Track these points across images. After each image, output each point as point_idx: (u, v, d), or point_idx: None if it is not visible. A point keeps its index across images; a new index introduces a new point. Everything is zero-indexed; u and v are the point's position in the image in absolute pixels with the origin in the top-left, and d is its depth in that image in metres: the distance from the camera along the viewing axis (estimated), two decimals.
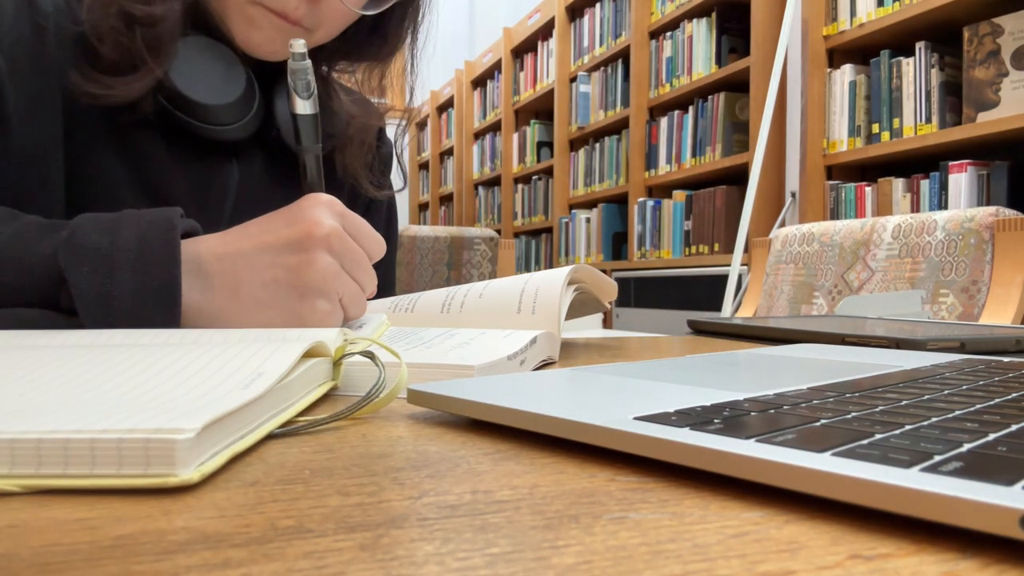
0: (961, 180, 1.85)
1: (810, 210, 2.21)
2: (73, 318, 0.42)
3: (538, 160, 4.10)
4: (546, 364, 0.49)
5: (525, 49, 4.26)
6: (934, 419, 0.24)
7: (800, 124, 2.28)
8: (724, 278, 2.27)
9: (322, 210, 0.46)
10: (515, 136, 4.36)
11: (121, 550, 0.15)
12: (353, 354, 0.34)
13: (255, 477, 0.21)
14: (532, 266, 4.24)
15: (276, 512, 0.18)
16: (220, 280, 0.44)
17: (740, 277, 2.21)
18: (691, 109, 2.86)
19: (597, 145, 3.52)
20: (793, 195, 2.38)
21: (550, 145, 4.04)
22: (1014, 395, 0.29)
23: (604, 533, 0.17)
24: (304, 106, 0.54)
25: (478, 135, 4.88)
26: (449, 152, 5.29)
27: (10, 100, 0.54)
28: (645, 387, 0.31)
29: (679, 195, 2.92)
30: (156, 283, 0.42)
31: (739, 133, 2.72)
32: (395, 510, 0.18)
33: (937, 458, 0.18)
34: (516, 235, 4.35)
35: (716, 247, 2.71)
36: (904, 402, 0.27)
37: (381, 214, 0.81)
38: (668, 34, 2.99)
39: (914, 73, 1.99)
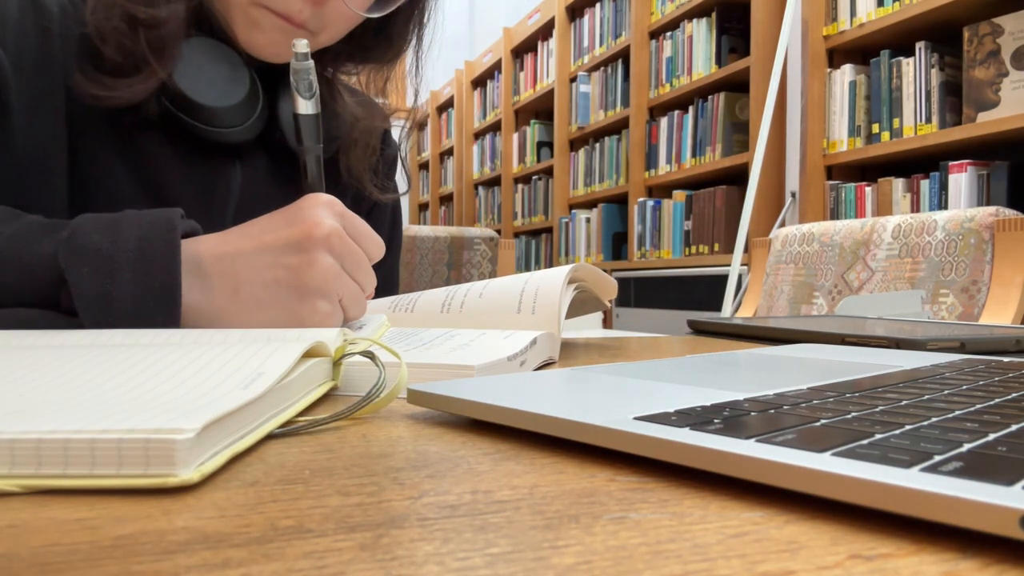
0: (961, 180, 1.85)
1: (810, 210, 2.21)
2: (73, 318, 0.42)
3: (538, 160, 4.10)
4: (546, 364, 0.49)
5: (525, 49, 4.26)
6: (934, 419, 0.24)
7: (800, 124, 2.28)
8: (724, 278, 2.27)
9: (322, 210, 0.46)
10: (515, 136, 4.36)
11: (121, 550, 0.15)
12: (353, 354, 0.34)
13: (255, 477, 0.21)
14: (532, 266, 4.24)
15: (276, 512, 0.18)
16: (220, 280, 0.44)
17: (740, 277, 2.21)
18: (691, 109, 2.86)
19: (597, 145, 3.52)
20: (793, 195, 2.38)
21: (550, 145, 4.04)
22: (1014, 395, 0.29)
23: (604, 533, 0.17)
24: (306, 106, 0.54)
25: (478, 135, 4.88)
26: (449, 152, 5.29)
27: (14, 100, 0.54)
28: (645, 387, 0.31)
29: (679, 195, 2.92)
30: (156, 283, 0.42)
31: (739, 133, 2.72)
32: (395, 510, 0.18)
33: (937, 458, 0.18)
34: (516, 235, 4.35)
35: (716, 247, 2.71)
36: (904, 402, 0.27)
37: (385, 216, 0.81)
38: (668, 34, 2.99)
39: (914, 73, 1.99)
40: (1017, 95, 1.76)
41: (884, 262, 1.33)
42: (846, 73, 2.16)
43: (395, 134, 0.80)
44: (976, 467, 0.18)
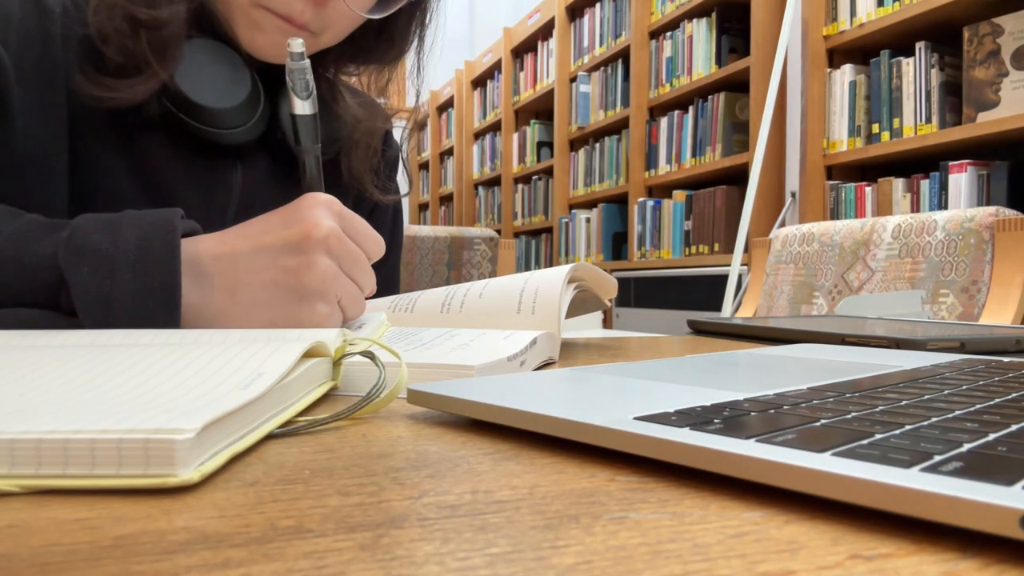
0: (961, 180, 1.85)
1: (810, 210, 2.21)
2: (73, 318, 0.42)
3: (538, 160, 4.10)
4: (546, 364, 0.49)
5: (525, 49, 4.26)
6: (934, 419, 0.24)
7: (800, 124, 2.28)
8: (724, 278, 2.27)
9: (320, 210, 0.46)
10: (515, 136, 4.36)
11: (121, 550, 0.15)
12: (353, 354, 0.34)
13: (255, 477, 0.21)
14: (532, 266, 4.24)
15: (276, 512, 0.18)
16: (218, 281, 0.44)
17: (740, 277, 2.21)
18: (691, 109, 2.86)
19: (597, 145, 3.52)
20: (793, 195, 2.38)
21: (550, 145, 4.04)
22: (1014, 395, 0.29)
23: (604, 533, 0.17)
24: (303, 106, 0.54)
25: (478, 135, 4.88)
26: (449, 152, 5.29)
27: (16, 100, 0.54)
28: (645, 387, 0.31)
29: (679, 195, 2.92)
30: (156, 284, 0.42)
31: (739, 133, 2.72)
32: (395, 510, 0.18)
33: (937, 458, 0.18)
34: (516, 235, 4.35)
35: (716, 247, 2.71)
36: (904, 402, 0.27)
37: (387, 217, 0.81)
38: (668, 34, 2.99)
39: (914, 73, 1.99)
40: (1017, 95, 1.76)
41: (884, 262, 1.33)
42: (846, 73, 2.16)
43: (396, 135, 0.80)
44: (976, 467, 0.18)
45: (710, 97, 2.78)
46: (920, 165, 2.02)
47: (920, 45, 1.96)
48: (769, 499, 0.19)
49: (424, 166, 5.65)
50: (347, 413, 0.28)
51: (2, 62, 0.53)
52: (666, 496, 0.19)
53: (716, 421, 0.23)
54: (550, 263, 4.05)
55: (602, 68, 3.45)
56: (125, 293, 0.41)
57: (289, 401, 0.29)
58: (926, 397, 0.28)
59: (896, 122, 2.03)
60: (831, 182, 2.20)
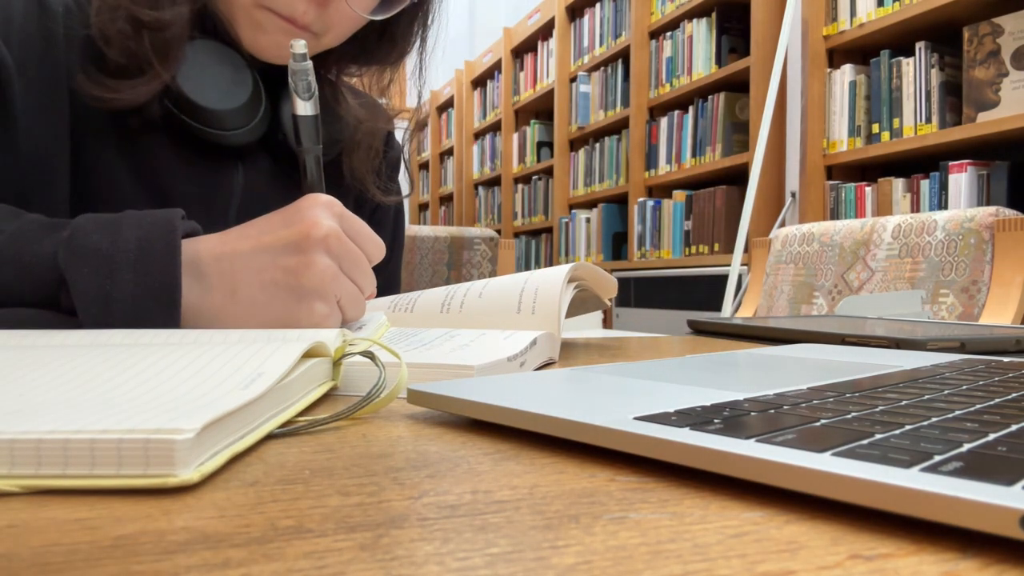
0: (961, 180, 1.85)
1: (810, 210, 2.21)
2: (73, 318, 0.42)
3: (538, 160, 4.10)
4: (546, 364, 0.49)
5: (525, 49, 4.26)
6: (934, 419, 0.24)
7: (800, 124, 2.28)
8: (724, 278, 2.27)
9: (321, 211, 0.46)
10: (515, 136, 4.36)
11: (121, 550, 0.15)
12: (353, 354, 0.34)
13: (255, 477, 0.21)
14: (532, 266, 4.24)
15: (276, 512, 0.18)
16: (218, 281, 0.44)
17: (740, 277, 2.21)
18: (691, 109, 2.86)
19: (597, 145, 3.52)
20: (793, 195, 2.38)
21: (550, 145, 4.04)
22: (1014, 395, 0.29)
23: (604, 533, 0.17)
24: (305, 107, 0.54)
25: (478, 135, 4.88)
26: (449, 152, 5.29)
27: (18, 99, 0.54)
28: (645, 387, 0.31)
29: (679, 195, 2.92)
30: (156, 284, 0.42)
31: (739, 133, 2.72)
32: (395, 510, 0.18)
33: (937, 458, 0.18)
34: (516, 235, 4.35)
35: (716, 247, 2.71)
36: (904, 402, 0.27)
37: (388, 218, 0.81)
38: (668, 34, 2.99)
39: (914, 73, 1.99)
40: (1017, 95, 1.76)
41: (884, 262, 1.33)
42: (846, 73, 2.16)
43: (397, 135, 0.80)
44: (976, 467, 0.18)
45: (710, 97, 2.78)
46: (920, 165, 2.02)
47: (920, 45, 1.96)
48: (769, 499, 0.19)
49: (424, 166, 5.65)
50: (347, 413, 0.28)
51: (4, 62, 0.53)
52: (666, 496, 0.19)
53: (716, 421, 0.23)
54: (550, 263, 4.05)
55: (602, 68, 3.45)
56: (125, 293, 0.41)
57: (289, 401, 0.29)
58: (926, 397, 0.28)
59: (896, 122, 2.03)
60: (831, 182, 2.20)
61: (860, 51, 2.19)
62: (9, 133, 0.54)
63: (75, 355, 0.31)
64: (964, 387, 0.31)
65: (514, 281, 0.57)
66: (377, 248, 0.49)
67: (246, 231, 0.46)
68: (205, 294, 0.44)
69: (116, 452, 0.19)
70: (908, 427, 0.22)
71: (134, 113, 0.57)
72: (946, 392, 0.30)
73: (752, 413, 0.24)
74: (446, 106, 5.35)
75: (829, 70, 2.21)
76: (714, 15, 2.74)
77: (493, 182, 4.69)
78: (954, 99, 1.94)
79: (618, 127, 3.36)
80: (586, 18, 3.59)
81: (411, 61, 0.72)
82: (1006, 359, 0.44)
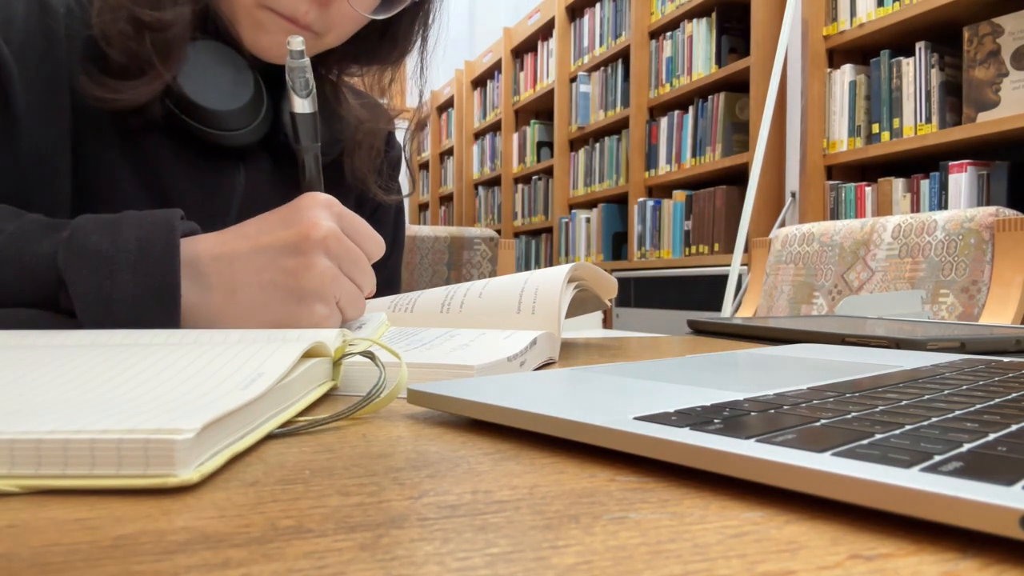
0: (961, 180, 1.85)
1: (810, 210, 2.21)
2: (73, 318, 0.42)
3: (538, 160, 4.10)
4: (546, 364, 0.49)
5: (525, 49, 4.26)
6: (934, 419, 0.24)
7: (800, 124, 2.28)
8: (724, 278, 2.27)
9: (320, 211, 0.45)
10: (515, 136, 4.36)
11: (121, 550, 0.15)
12: (353, 354, 0.34)
13: (255, 477, 0.21)
14: (532, 266, 4.24)
15: (276, 512, 0.18)
16: (217, 281, 0.44)
17: (740, 277, 2.21)
18: (691, 109, 2.86)
19: (597, 145, 3.52)
20: (793, 195, 2.38)
21: (550, 145, 4.04)
22: (1014, 395, 0.29)
23: (604, 533, 0.17)
24: (302, 105, 0.54)
25: (478, 135, 4.88)
26: (449, 152, 5.29)
27: (19, 100, 0.54)
28: (645, 387, 0.31)
29: (679, 195, 2.92)
30: (156, 284, 0.42)
31: (739, 133, 2.72)
32: (395, 510, 0.18)
33: (937, 458, 0.18)
34: (516, 235, 4.35)
35: (716, 247, 2.71)
36: (904, 402, 0.27)
37: (389, 218, 0.81)
38: (668, 34, 2.99)
39: (914, 73, 1.99)
40: (1017, 95, 1.76)
41: (884, 262, 1.33)
42: (846, 73, 2.16)
43: (398, 135, 0.80)
44: (976, 467, 0.18)
45: (710, 97, 2.78)
46: (920, 165, 2.02)
47: (920, 45, 1.96)
48: (769, 499, 0.19)
49: (424, 166, 5.65)
50: (347, 413, 0.28)
51: (6, 62, 0.53)
52: (666, 496, 0.19)
53: (716, 421, 0.23)
54: (550, 263, 4.05)
55: (602, 68, 3.45)
56: (125, 293, 0.41)
57: (289, 401, 0.29)
58: (926, 397, 0.28)
59: (896, 122, 2.03)
60: (831, 182, 2.20)
61: (860, 51, 2.19)
62: (10, 133, 0.54)
63: (75, 355, 0.31)
64: (964, 387, 0.31)
65: (514, 281, 0.57)
66: (377, 246, 0.49)
67: (245, 230, 0.46)
68: (204, 294, 0.44)
69: (116, 452, 0.19)
70: (908, 427, 0.22)
71: (135, 113, 0.57)
72: (946, 392, 0.30)
73: (752, 413, 0.24)
74: (446, 106, 5.35)
75: (829, 70, 2.21)
76: (714, 15, 2.74)
77: (493, 182, 4.69)
78: (954, 99, 1.94)
79: (618, 127, 3.36)
80: (586, 18, 3.59)
81: (411, 61, 0.72)
82: (1006, 359, 0.44)
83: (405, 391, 0.30)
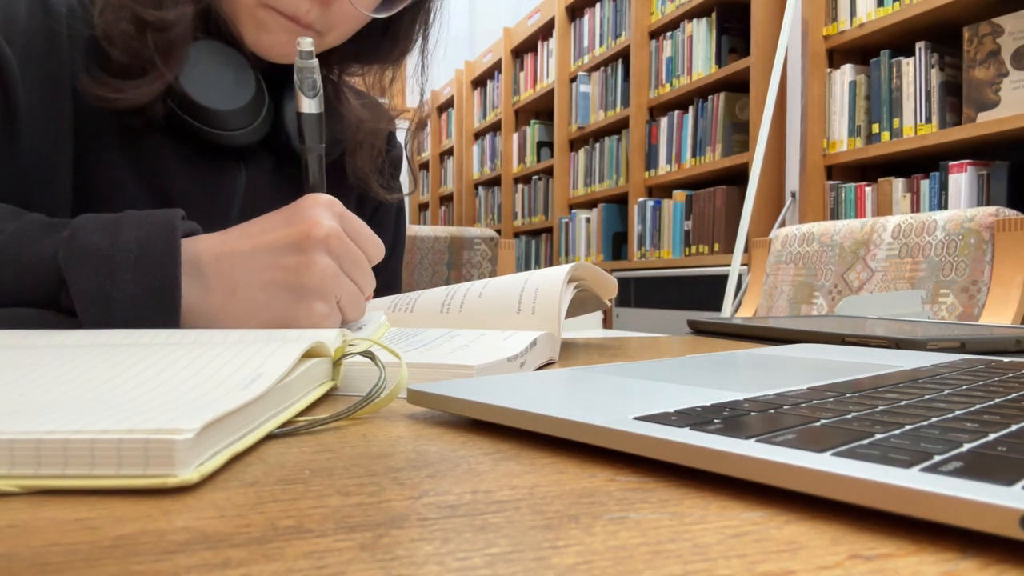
0: (961, 180, 1.85)
1: (810, 210, 2.21)
2: (73, 318, 0.42)
3: (538, 160, 4.10)
4: (546, 364, 0.49)
5: (525, 49, 4.26)
6: (934, 419, 0.24)
7: (800, 124, 2.28)
8: (724, 278, 2.27)
9: (321, 211, 0.46)
10: (515, 136, 4.36)
11: (121, 550, 0.15)
12: (353, 354, 0.34)
13: (255, 477, 0.21)
14: (532, 266, 4.24)
15: (276, 512, 0.18)
16: (217, 280, 0.44)
17: (740, 277, 2.21)
18: (691, 109, 2.86)
19: (597, 145, 3.52)
20: (793, 195, 2.38)
21: (550, 145, 4.04)
22: (1014, 395, 0.29)
23: (604, 533, 0.17)
24: (309, 105, 0.54)
25: (478, 135, 4.88)
26: (449, 152, 5.29)
27: (21, 99, 0.54)
28: (645, 387, 0.31)
29: (679, 195, 2.92)
30: (156, 284, 0.42)
31: (739, 133, 2.72)
32: (395, 510, 0.18)
33: (937, 458, 0.18)
34: (516, 235, 4.35)
35: (716, 247, 2.71)
36: (904, 402, 0.27)
37: (390, 217, 0.81)
38: (668, 34, 2.99)
39: (914, 73, 1.99)
40: (1017, 95, 1.76)
41: (884, 262, 1.33)
42: (846, 73, 2.16)
43: (399, 135, 0.80)
44: (976, 467, 0.18)
45: (710, 97, 2.78)
46: (920, 165, 2.02)
47: (920, 45, 1.96)
48: (769, 499, 0.19)
49: (424, 166, 5.65)
50: (347, 413, 0.28)
51: (7, 62, 0.53)
52: (666, 496, 0.19)
53: (716, 421, 0.23)
54: (550, 263, 4.05)
55: (602, 68, 3.45)
56: (125, 293, 0.41)
57: (289, 401, 0.29)
58: (926, 397, 0.28)
59: (896, 122, 2.03)
60: (831, 182, 2.20)
61: (860, 51, 2.19)
62: (11, 132, 0.54)
63: (75, 355, 0.31)
64: (964, 387, 0.31)
65: (514, 281, 0.57)
66: (377, 249, 0.49)
67: (246, 230, 0.46)
68: (205, 294, 0.44)
69: (116, 452, 0.19)
70: (908, 427, 0.22)
71: (137, 113, 0.57)
72: (946, 392, 0.30)
73: (752, 413, 0.24)
74: (446, 106, 5.35)
75: (829, 70, 2.21)
76: (714, 15, 2.74)
77: (493, 182, 4.69)
78: (954, 99, 1.94)
79: (618, 127, 3.35)
80: (586, 18, 3.59)
81: (412, 61, 0.72)
82: (1006, 359, 0.44)
83: (405, 391, 0.30)
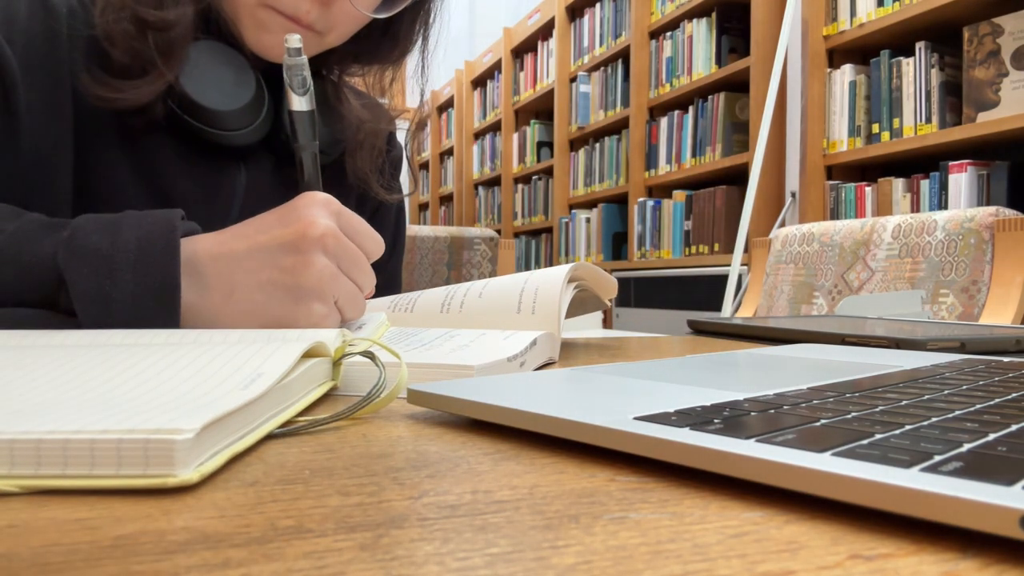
0: (961, 180, 1.85)
1: (810, 210, 2.21)
2: (72, 318, 0.42)
3: (538, 160, 4.10)
4: (546, 364, 0.49)
5: (525, 49, 4.26)
6: (934, 419, 0.24)
7: (800, 124, 2.28)
8: (724, 278, 2.27)
9: (317, 209, 0.45)
10: (515, 136, 4.36)
11: (121, 550, 0.15)
12: (353, 354, 0.34)
13: (255, 477, 0.21)
14: (532, 266, 4.24)
15: (276, 512, 0.18)
16: (215, 281, 0.44)
17: (740, 277, 2.21)
18: (691, 109, 2.86)
19: (597, 145, 3.52)
20: (793, 195, 2.38)
21: (550, 145, 4.04)
22: (1014, 395, 0.29)
23: (604, 533, 0.17)
24: (300, 102, 0.54)
25: (478, 135, 4.88)
26: (449, 152, 5.29)
27: (21, 99, 0.54)
28: (645, 387, 0.31)
29: (679, 195, 2.92)
30: (156, 284, 0.42)
31: (739, 133, 2.72)
32: (395, 510, 0.18)
33: (937, 458, 0.18)
34: (516, 235, 4.35)
35: (716, 247, 2.71)
36: (904, 402, 0.27)
37: (390, 217, 0.81)
38: (668, 34, 2.99)
39: (914, 73, 1.99)
40: (1017, 95, 1.76)
41: (884, 262, 1.33)
42: (846, 73, 2.16)
43: (400, 136, 0.80)
44: (976, 467, 0.18)
45: (710, 97, 2.78)
46: (920, 165, 2.02)
47: (920, 45, 1.96)
48: (769, 499, 0.19)
49: (424, 166, 5.65)
50: (347, 413, 0.28)
51: (8, 61, 0.53)
52: (666, 496, 0.19)
53: (716, 421, 0.23)
54: (550, 263, 4.05)
55: (602, 68, 3.45)
56: (125, 293, 0.41)
57: (289, 401, 0.29)
58: (926, 397, 0.28)
59: (896, 122, 2.03)
60: (831, 182, 2.20)
61: (860, 51, 2.19)
62: (11, 132, 0.54)
63: (75, 355, 0.31)
64: (964, 387, 0.31)
65: (514, 281, 0.57)
66: (376, 245, 0.49)
67: (243, 230, 0.46)
68: (203, 294, 0.44)
69: (116, 452, 0.19)
70: (908, 427, 0.22)
71: (137, 113, 0.57)
72: (946, 392, 0.30)
73: (752, 413, 0.24)
74: (446, 106, 5.35)
75: (829, 70, 2.21)
76: (714, 15, 2.74)
77: (493, 182, 4.69)
78: (954, 99, 1.94)
79: (618, 127, 3.36)
80: (586, 18, 3.59)
81: (412, 61, 0.72)
82: (1006, 359, 0.44)
83: (405, 391, 0.30)
